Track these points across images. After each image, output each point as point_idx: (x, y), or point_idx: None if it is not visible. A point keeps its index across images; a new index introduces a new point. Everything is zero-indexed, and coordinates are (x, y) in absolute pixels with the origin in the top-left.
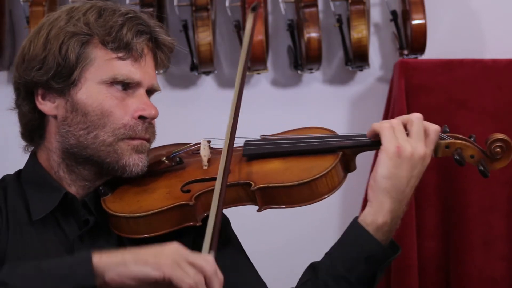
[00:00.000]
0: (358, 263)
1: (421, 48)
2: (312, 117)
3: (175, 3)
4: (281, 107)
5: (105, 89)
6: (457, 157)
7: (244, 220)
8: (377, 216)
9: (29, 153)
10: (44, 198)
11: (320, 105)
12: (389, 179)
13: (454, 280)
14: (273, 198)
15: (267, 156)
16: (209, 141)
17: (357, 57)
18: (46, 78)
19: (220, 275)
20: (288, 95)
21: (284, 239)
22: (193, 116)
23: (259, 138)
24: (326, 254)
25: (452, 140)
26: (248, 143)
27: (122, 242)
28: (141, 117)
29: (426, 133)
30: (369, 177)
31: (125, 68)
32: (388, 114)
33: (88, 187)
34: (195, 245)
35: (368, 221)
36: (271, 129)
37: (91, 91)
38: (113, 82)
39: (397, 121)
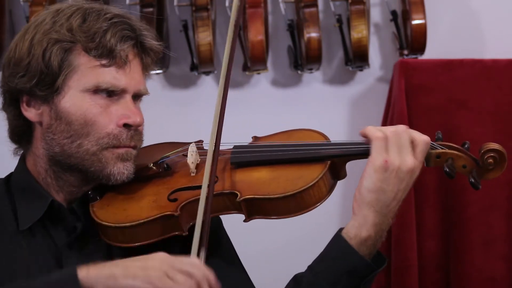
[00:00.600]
0: (341, 277)
1: (421, 48)
2: (312, 117)
3: (175, 3)
4: (281, 107)
5: (88, 97)
6: (447, 170)
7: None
8: (360, 230)
9: (19, 156)
10: (31, 206)
11: (320, 105)
12: (374, 193)
13: (454, 280)
14: (259, 209)
15: (255, 164)
16: (201, 142)
17: (357, 57)
18: (29, 86)
19: (211, 277)
20: (288, 95)
21: (284, 239)
22: (193, 116)
23: (247, 144)
24: (308, 267)
25: (444, 150)
26: (236, 150)
27: (111, 248)
28: (125, 125)
29: (413, 144)
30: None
31: (109, 76)
32: (388, 114)
33: (76, 193)
34: (183, 253)
35: (351, 235)
36: (271, 130)
37: (75, 99)
38: (96, 90)
39: (392, 131)
